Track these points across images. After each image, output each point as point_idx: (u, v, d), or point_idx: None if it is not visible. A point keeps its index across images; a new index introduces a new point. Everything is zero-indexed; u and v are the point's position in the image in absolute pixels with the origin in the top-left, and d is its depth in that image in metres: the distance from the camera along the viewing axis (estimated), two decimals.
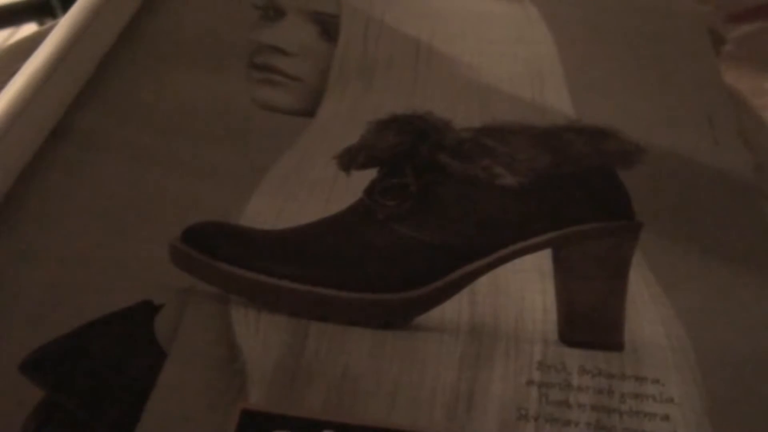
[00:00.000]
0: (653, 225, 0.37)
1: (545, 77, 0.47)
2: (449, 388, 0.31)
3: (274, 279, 0.34)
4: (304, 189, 0.39)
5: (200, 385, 0.30)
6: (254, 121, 0.43)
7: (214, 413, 0.30)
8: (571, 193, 0.36)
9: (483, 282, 0.35)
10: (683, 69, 0.48)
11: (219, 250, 0.34)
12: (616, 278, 0.35)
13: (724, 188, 0.40)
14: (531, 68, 0.47)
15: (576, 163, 0.37)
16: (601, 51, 0.49)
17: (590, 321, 0.34)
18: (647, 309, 0.34)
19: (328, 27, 0.49)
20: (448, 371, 0.32)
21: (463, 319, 0.34)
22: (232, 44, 0.48)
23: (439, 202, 0.36)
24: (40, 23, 1.03)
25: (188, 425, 0.29)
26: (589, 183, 0.37)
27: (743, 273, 0.36)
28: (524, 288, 0.35)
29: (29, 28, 1.02)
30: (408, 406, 0.30)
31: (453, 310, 0.34)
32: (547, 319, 0.34)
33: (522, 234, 0.35)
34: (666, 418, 0.30)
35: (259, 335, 0.32)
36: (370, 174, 0.37)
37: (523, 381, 0.31)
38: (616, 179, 0.37)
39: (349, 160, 0.38)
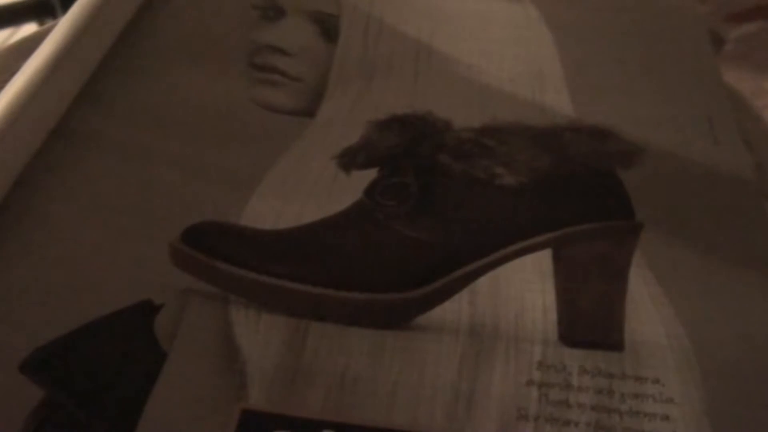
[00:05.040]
0: (653, 225, 0.37)
1: (545, 77, 0.47)
2: (449, 388, 0.31)
3: (274, 279, 0.34)
4: (304, 189, 0.39)
5: (200, 385, 0.31)
6: (254, 121, 0.43)
7: (214, 413, 0.30)
8: (571, 193, 0.36)
9: (483, 282, 0.35)
10: (683, 69, 0.48)
11: (219, 250, 0.34)
12: (616, 278, 0.35)
13: (724, 188, 0.40)
14: (531, 68, 0.47)
15: (576, 163, 0.37)
16: (601, 51, 0.49)
17: (590, 321, 0.34)
18: (647, 309, 0.34)
19: (328, 27, 0.49)
20: (448, 371, 0.32)
21: (463, 319, 0.34)
22: (232, 44, 0.48)
23: (439, 202, 0.36)
24: (40, 23, 1.03)
25: (188, 425, 0.29)
26: (589, 183, 0.37)
27: (743, 273, 0.36)
28: (524, 288, 0.35)
29: (29, 28, 1.02)
30: (408, 406, 0.30)
31: (453, 310, 0.34)
32: (547, 319, 0.34)
33: (522, 234, 0.35)
34: (666, 418, 0.30)
35: (259, 335, 0.32)
36: (370, 174, 0.37)
37: (523, 381, 0.31)
38: (616, 179, 0.37)
39: (349, 160, 0.38)
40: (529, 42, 0.50)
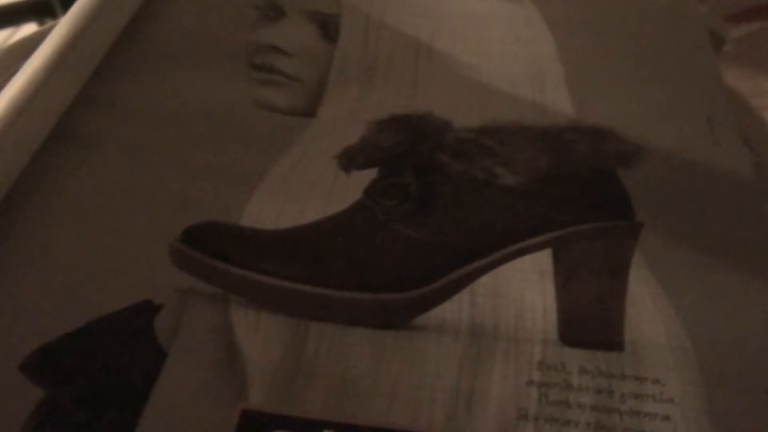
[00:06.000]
0: (653, 225, 0.37)
1: (545, 77, 0.47)
2: (449, 388, 0.31)
3: (274, 279, 0.34)
4: (304, 189, 0.39)
5: (200, 385, 0.30)
6: (254, 121, 0.43)
7: (214, 413, 0.30)
8: (571, 193, 0.36)
9: (483, 282, 0.35)
10: (683, 69, 0.48)
11: (219, 250, 0.34)
12: (616, 278, 0.35)
13: (724, 188, 0.40)
14: (531, 68, 0.47)
15: (576, 163, 0.37)
16: (601, 51, 0.49)
17: (590, 321, 0.34)
18: (647, 309, 0.34)
19: (328, 27, 0.49)
20: (448, 371, 0.32)
21: (463, 319, 0.34)
22: (232, 44, 0.48)
23: (439, 202, 0.36)
24: (40, 23, 1.03)
25: (188, 425, 0.29)
26: (589, 183, 0.37)
27: (743, 273, 0.36)
28: (524, 288, 0.35)
29: (29, 28, 1.02)
30: (408, 406, 0.30)
31: (453, 310, 0.34)
32: (547, 319, 0.34)
33: (522, 234, 0.35)
34: (666, 418, 0.30)
35: (259, 335, 0.32)
36: (370, 174, 0.37)
37: (523, 381, 0.31)
38: (616, 179, 0.37)
39: (349, 160, 0.38)
40: (529, 42, 0.50)
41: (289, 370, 0.31)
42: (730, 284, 0.35)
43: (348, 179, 0.37)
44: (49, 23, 0.70)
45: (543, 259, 0.35)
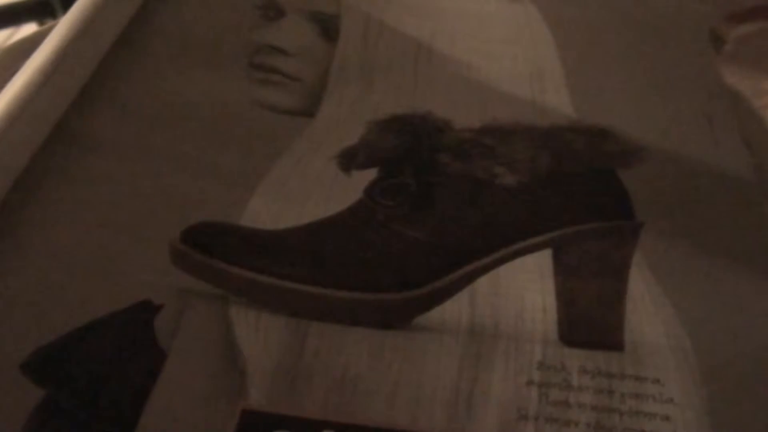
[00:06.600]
0: (653, 225, 0.37)
1: (545, 77, 0.47)
2: (449, 388, 0.31)
3: (274, 279, 0.34)
4: (304, 189, 0.39)
5: (200, 385, 0.31)
6: (254, 121, 0.43)
7: (214, 413, 0.30)
8: (571, 193, 0.36)
9: (483, 282, 0.35)
10: (683, 69, 0.48)
11: (219, 250, 0.34)
12: (616, 278, 0.35)
13: (724, 188, 0.40)
14: (531, 68, 0.47)
15: (576, 164, 0.37)
16: (601, 51, 0.49)
17: (590, 321, 0.34)
18: (647, 309, 0.34)
19: (328, 27, 0.49)
20: (448, 371, 0.32)
21: (463, 319, 0.34)
22: (232, 44, 0.48)
23: (439, 202, 0.36)
24: (40, 23, 1.03)
25: (188, 425, 0.29)
26: (589, 183, 0.37)
27: (743, 273, 0.36)
28: (524, 288, 0.35)
29: (29, 28, 1.02)
30: (408, 406, 0.30)
31: (453, 310, 0.34)
32: (547, 319, 0.34)
33: (522, 234, 0.35)
34: (666, 418, 0.30)
35: (259, 335, 0.32)
36: (370, 174, 0.37)
37: (523, 381, 0.31)
38: (616, 179, 0.37)
39: (349, 160, 0.38)
40: (529, 42, 0.50)
41: (289, 370, 0.31)
42: (729, 284, 0.35)
43: (348, 179, 0.37)
44: (49, 23, 0.70)
45: (543, 259, 0.35)
